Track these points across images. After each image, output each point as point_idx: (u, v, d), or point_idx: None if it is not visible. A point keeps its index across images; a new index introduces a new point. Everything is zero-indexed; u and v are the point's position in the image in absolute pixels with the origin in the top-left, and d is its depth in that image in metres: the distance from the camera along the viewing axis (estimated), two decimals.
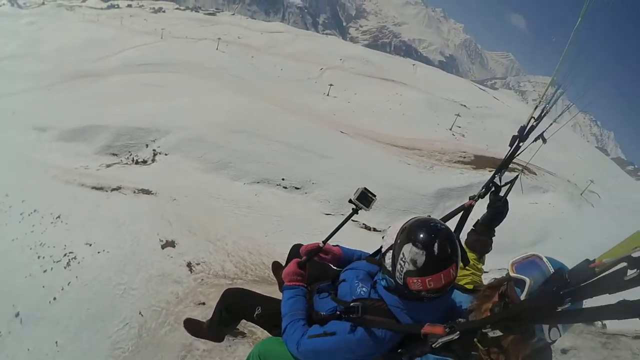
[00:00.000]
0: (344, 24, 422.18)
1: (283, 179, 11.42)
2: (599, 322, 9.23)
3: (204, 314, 4.57)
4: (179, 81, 17.21)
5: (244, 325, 4.41)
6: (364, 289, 1.84)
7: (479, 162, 14.94)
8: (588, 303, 1.15)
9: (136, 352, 4.70)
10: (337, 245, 2.35)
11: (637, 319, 0.93)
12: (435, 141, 16.77)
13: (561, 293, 1.15)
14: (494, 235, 2.37)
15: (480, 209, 2.38)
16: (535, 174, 15.08)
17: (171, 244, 6.58)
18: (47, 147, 11.72)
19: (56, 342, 4.87)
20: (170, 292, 5.52)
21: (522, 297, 1.35)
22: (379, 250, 1.97)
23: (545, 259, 1.39)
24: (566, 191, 14.97)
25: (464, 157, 15.19)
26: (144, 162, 11.76)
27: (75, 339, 4.91)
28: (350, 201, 2.21)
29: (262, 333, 4.04)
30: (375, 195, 2.22)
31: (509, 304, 1.39)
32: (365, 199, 2.20)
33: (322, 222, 9.91)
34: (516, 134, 2.31)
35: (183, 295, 5.48)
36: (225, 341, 4.01)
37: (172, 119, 13.15)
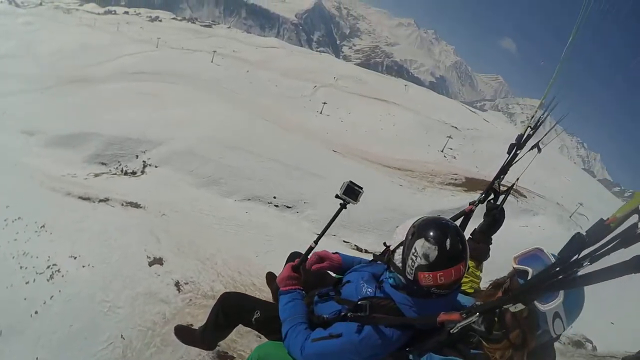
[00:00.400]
0: (338, 42, 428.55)
1: (275, 197, 11.30)
2: (590, 345, 9.18)
3: None
4: (172, 91, 17.16)
5: (234, 349, 4.29)
6: (369, 289, 1.84)
7: (470, 184, 15.14)
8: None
9: None
10: (336, 253, 2.34)
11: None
12: (427, 163, 16.95)
13: (579, 256, 1.14)
14: (491, 243, 2.50)
15: (478, 214, 2.47)
16: (526, 197, 15.30)
17: (159, 261, 6.36)
18: (35, 152, 11.48)
19: (37, 358, 4.64)
20: (157, 312, 5.30)
21: None
22: (384, 252, 2.02)
23: (546, 251, 1.43)
24: (555, 214, 15.24)
25: (456, 180, 15.38)
26: (133, 173, 11.55)
27: (57, 355, 4.68)
28: (337, 196, 2.18)
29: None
30: (362, 188, 2.19)
31: None
32: (352, 192, 2.16)
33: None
34: (514, 142, 2.48)
35: (170, 316, 5.27)
36: None
37: (164, 130, 13.02)
